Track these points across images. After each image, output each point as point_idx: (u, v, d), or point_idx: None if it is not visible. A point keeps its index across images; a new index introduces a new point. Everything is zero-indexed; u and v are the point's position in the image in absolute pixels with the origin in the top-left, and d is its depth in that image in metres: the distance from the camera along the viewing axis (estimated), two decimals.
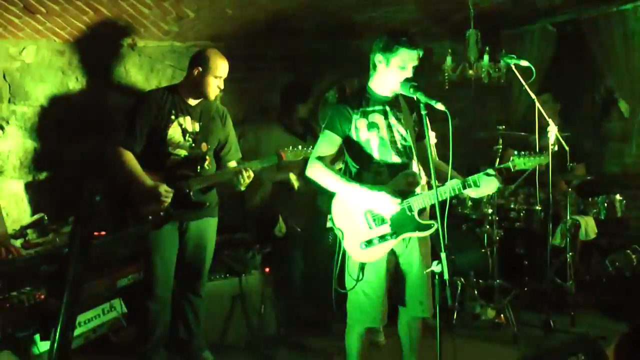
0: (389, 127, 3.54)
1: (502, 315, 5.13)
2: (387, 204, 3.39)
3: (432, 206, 3.42)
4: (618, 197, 5.47)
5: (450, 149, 3.18)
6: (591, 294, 5.46)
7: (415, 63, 3.44)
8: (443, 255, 2.94)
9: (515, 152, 3.45)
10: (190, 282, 4.47)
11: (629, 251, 5.51)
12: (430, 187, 3.25)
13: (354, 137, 3.53)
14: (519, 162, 3.41)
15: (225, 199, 4.57)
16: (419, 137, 3.55)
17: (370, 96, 3.57)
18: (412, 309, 3.67)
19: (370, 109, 3.55)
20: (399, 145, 3.55)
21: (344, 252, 3.56)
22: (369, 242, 3.49)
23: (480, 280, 5.27)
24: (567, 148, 4.87)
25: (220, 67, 4.11)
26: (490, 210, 5.36)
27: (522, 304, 5.35)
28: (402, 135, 3.55)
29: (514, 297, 5.19)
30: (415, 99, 3.24)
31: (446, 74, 5.52)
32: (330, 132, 3.55)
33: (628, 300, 5.27)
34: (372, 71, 3.56)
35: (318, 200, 4.87)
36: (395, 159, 3.54)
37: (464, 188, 3.34)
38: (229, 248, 5.04)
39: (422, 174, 3.69)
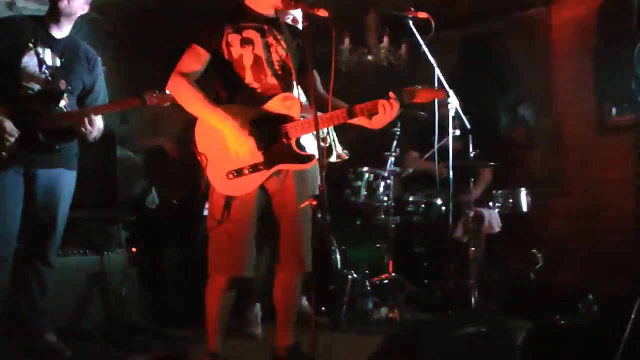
0: (267, 46, 3.19)
1: (395, 311, 4.82)
2: (241, 137, 3.06)
3: None
4: (524, 190, 5.40)
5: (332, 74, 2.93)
6: (494, 294, 5.26)
7: None
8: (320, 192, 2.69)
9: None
10: (37, 244, 3.82)
11: (534, 251, 5.40)
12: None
13: (225, 54, 3.15)
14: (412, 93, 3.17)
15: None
16: (302, 67, 3.22)
17: (247, 12, 3.22)
18: (287, 263, 3.27)
19: (246, 24, 3.18)
20: (277, 67, 3.20)
21: (208, 185, 3.17)
22: (239, 172, 3.11)
23: (374, 277, 5.11)
24: (468, 126, 4.70)
25: None
26: (386, 199, 5.12)
27: (421, 304, 5.11)
28: (281, 57, 3.21)
29: (410, 295, 4.98)
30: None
31: (344, 57, 5.24)
32: (197, 45, 3.14)
33: (532, 302, 5.06)
34: None
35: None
36: (272, 81, 3.18)
37: (351, 116, 3.07)
38: (90, 222, 4.44)
39: (303, 100, 3.33)
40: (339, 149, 4.64)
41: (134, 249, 4.59)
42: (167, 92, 3.45)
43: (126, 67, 5.09)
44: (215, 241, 3.19)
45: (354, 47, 5.33)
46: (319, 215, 2.73)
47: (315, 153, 3.19)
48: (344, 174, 5.25)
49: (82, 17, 3.92)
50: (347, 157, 4.72)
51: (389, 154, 5.19)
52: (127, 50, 4.93)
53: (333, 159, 4.67)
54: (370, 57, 5.33)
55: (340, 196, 5.17)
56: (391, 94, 3.05)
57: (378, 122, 3.11)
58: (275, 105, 3.14)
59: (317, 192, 2.76)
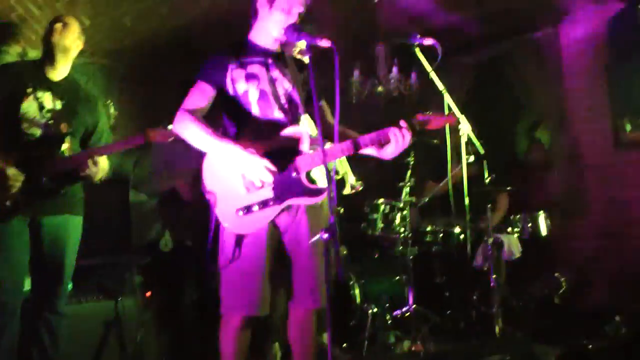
0: (272, 80, 3.18)
1: (418, 343, 4.72)
2: (259, 169, 3.01)
3: None
4: (542, 214, 5.35)
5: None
6: (519, 321, 5.14)
7: (301, 9, 3.14)
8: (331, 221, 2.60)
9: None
10: (46, 293, 3.75)
11: (557, 274, 5.33)
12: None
13: (230, 90, 3.14)
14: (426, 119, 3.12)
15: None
16: (309, 99, 3.22)
17: (251, 47, 3.22)
18: (301, 299, 3.19)
19: (250, 59, 3.18)
20: (283, 101, 3.18)
21: (217, 223, 3.11)
22: (248, 209, 3.05)
23: (395, 309, 5.05)
24: (482, 151, 4.54)
25: (59, 30, 3.76)
26: (403, 230, 5.07)
27: (444, 334, 5.01)
28: (287, 91, 3.20)
29: (432, 326, 4.90)
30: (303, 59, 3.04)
31: (354, 89, 5.22)
32: (202, 81, 3.13)
33: (557, 326, 5.00)
34: (253, 19, 3.23)
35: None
36: (279, 116, 3.15)
37: (357, 148, 3.04)
38: (103, 268, 4.40)
39: (311, 132, 3.27)
40: (351, 180, 4.58)
41: (148, 293, 4.51)
42: (170, 127, 3.47)
43: (139, 109, 5.08)
44: (227, 280, 3.12)
45: (364, 78, 5.29)
46: (332, 248, 2.68)
47: (326, 186, 3.13)
48: (359, 207, 5.22)
49: (93, 64, 3.93)
50: (360, 188, 4.66)
51: (403, 184, 5.15)
52: (140, 92, 4.91)
53: (347, 190, 4.61)
54: (380, 88, 5.27)
55: (356, 229, 5.16)
56: (402, 122, 3.01)
57: (390, 152, 3.07)
58: (283, 139, 3.10)
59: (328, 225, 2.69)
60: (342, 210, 5.02)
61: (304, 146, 3.09)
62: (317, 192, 3.08)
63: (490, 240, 4.86)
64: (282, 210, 3.09)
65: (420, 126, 3.11)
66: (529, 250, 5.44)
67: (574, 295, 5.51)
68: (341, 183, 4.60)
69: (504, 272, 5.35)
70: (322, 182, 3.20)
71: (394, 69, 5.19)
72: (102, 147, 3.77)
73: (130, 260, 4.48)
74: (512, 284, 5.46)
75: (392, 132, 3.00)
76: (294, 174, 3.05)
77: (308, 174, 3.10)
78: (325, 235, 2.58)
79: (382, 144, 3.04)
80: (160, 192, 4.89)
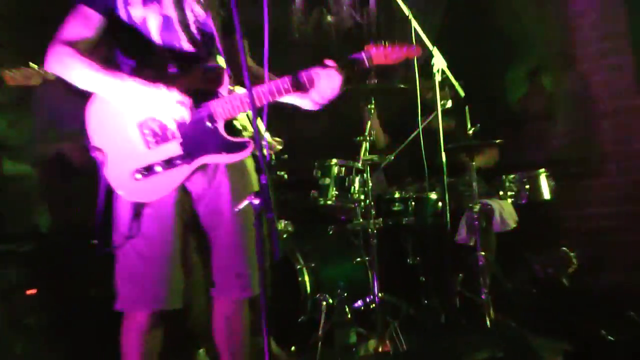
0: (178, 3, 3.16)
1: (387, 342, 4.74)
2: (171, 104, 2.97)
3: None
4: (543, 173, 5.40)
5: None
6: (514, 309, 5.22)
7: None
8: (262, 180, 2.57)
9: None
10: None
11: (565, 249, 5.39)
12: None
13: (123, 15, 3.08)
14: (378, 52, 3.18)
15: None
16: (227, 30, 3.23)
17: None
18: (224, 286, 3.24)
19: None
20: (193, 30, 3.19)
21: (109, 191, 3.10)
22: (149, 170, 3.05)
23: (355, 300, 5.04)
24: (462, 94, 4.69)
25: None
26: (363, 197, 5.09)
27: (420, 330, 5.08)
28: (198, 18, 3.20)
29: (404, 320, 4.94)
30: None
31: (295, 21, 5.20)
32: (84, 5, 3.05)
33: (565, 315, 5.06)
34: None
35: None
36: (188, 48, 3.17)
37: (298, 86, 3.09)
38: None
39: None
40: (266, 135, 4.52)
41: (32, 291, 4.47)
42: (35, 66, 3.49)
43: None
44: (124, 265, 3.12)
45: (308, 6, 5.26)
46: (265, 217, 2.64)
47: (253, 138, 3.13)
48: (306, 170, 5.22)
49: None
50: (279, 148, 4.63)
51: (361, 138, 5.13)
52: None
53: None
54: (330, 18, 5.25)
55: (304, 199, 5.16)
56: (328, 61, 3.08)
57: (315, 99, 3.17)
58: (194, 79, 3.11)
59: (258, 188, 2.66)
60: (285, 175, 5.06)
61: (223, 88, 3.11)
62: (240, 146, 3.09)
63: (477, 208, 4.96)
64: (195, 171, 3.10)
65: (372, 62, 3.16)
66: (527, 218, 5.51)
67: (586, 275, 5.59)
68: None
69: (495, 248, 5.43)
70: (245, 133, 3.23)
71: None
72: None
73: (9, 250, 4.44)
74: (505, 263, 5.52)
75: (316, 73, 3.06)
76: (208, 123, 3.05)
77: (229, 123, 3.12)
78: (256, 201, 2.56)
79: (305, 88, 3.10)
80: (45, 158, 4.81)
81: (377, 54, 3.16)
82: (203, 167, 3.12)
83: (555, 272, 5.43)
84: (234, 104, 3.05)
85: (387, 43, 3.19)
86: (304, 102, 3.21)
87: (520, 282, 5.52)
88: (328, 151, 5.20)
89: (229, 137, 3.08)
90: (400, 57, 3.23)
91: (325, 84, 3.09)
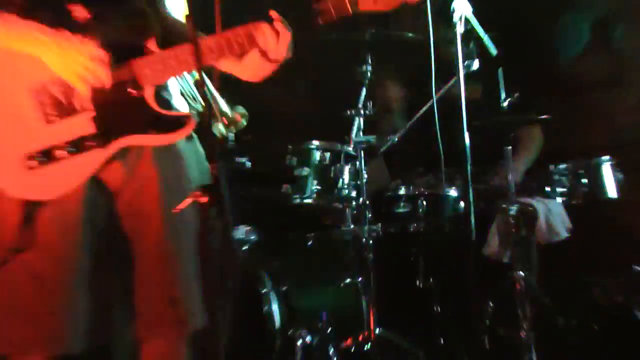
0: None
1: None
2: (81, 61, 3.00)
3: None
4: (607, 162, 5.47)
5: None
6: (569, 353, 5.31)
7: None
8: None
9: None
10: None
11: (638, 268, 5.43)
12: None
13: None
14: None
15: None
16: None
17: None
18: (155, 318, 3.26)
19: None
20: None
21: None
22: (47, 155, 3.08)
23: (344, 337, 5.13)
24: (493, 52, 4.68)
25: None
26: (355, 194, 5.15)
27: None
28: None
29: None
30: None
31: None
32: None
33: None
34: None
35: None
36: None
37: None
38: None
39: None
40: (224, 108, 4.48)
41: None
42: None
43: None
44: (10, 289, 3.12)
45: None
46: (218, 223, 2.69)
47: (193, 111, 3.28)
48: (278, 156, 5.24)
49: None
50: (243, 122, 4.61)
51: (352, 112, 5.16)
52: None
53: (218, 130, 4.56)
54: None
55: (273, 196, 5.22)
56: (273, 13, 3.13)
57: (254, 67, 3.27)
58: (110, 27, 3.13)
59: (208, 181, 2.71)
60: (247, 163, 5.17)
61: (151, 41, 3.16)
62: (176, 122, 3.16)
63: (513, 210, 5.01)
64: (112, 158, 3.14)
65: (342, 10, 3.17)
66: (584, 225, 5.55)
67: None
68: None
69: (539, 267, 5.47)
70: (183, 106, 3.30)
71: None
72: None
73: None
74: (555, 288, 5.54)
75: (257, 30, 3.11)
76: (131, 91, 3.10)
77: (158, 91, 3.17)
78: (204, 200, 2.61)
79: (241, 51, 3.15)
80: None
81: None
82: (123, 153, 3.16)
83: (626, 300, 5.35)
84: (167, 63, 3.10)
85: None
86: (237, 69, 3.28)
87: (575, 314, 5.45)
88: (307, 130, 5.24)
89: (160, 110, 3.13)
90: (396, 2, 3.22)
91: (267, 45, 3.12)
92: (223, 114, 4.31)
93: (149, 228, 3.20)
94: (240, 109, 4.39)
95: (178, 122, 3.15)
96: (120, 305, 3.44)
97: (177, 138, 3.17)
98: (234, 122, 4.32)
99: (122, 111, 3.10)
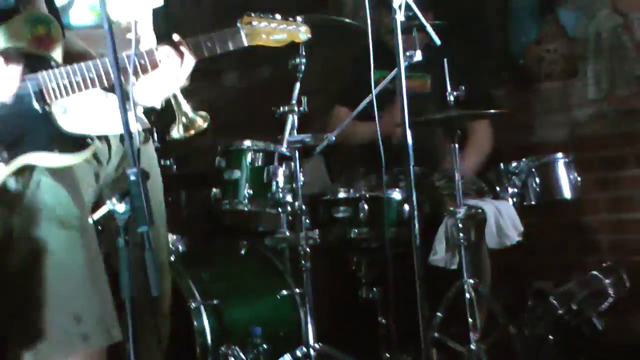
0: None
1: None
2: None
3: None
4: (562, 158, 5.37)
5: None
6: None
7: None
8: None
9: None
10: None
11: (597, 274, 5.36)
12: None
13: None
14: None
15: None
16: None
17: None
18: (60, 336, 3.08)
19: None
20: None
21: None
22: None
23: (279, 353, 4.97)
24: (437, 40, 4.60)
25: None
26: (290, 198, 5.02)
27: None
28: None
29: None
30: None
31: None
32: None
33: None
34: None
35: None
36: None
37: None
38: None
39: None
40: (185, 108, 4.25)
41: None
42: None
43: None
44: None
45: None
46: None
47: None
48: (206, 156, 5.21)
49: None
50: (205, 125, 4.39)
51: (287, 108, 4.99)
52: None
53: (177, 132, 4.34)
54: None
55: (201, 202, 5.18)
56: (175, 36, 3.14)
57: (155, 88, 3.27)
58: (15, 32, 3.06)
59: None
60: (172, 165, 5.12)
61: (56, 52, 3.08)
62: (79, 145, 3.09)
63: (461, 213, 4.90)
64: (10, 176, 3.09)
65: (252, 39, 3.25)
66: (538, 229, 5.55)
67: (630, 313, 5.60)
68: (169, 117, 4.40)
69: (490, 274, 5.46)
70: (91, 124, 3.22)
71: None
72: None
73: None
74: (507, 296, 5.51)
75: (161, 53, 3.11)
76: (36, 106, 3.03)
77: (65, 109, 3.15)
78: (121, 208, 2.54)
79: (141, 69, 3.11)
80: None
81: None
82: (22, 172, 3.10)
83: (583, 309, 5.28)
84: (72, 78, 3.02)
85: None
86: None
87: (530, 324, 5.38)
88: (237, 129, 5.17)
89: (64, 128, 3.09)
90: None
91: (168, 68, 3.13)
92: (183, 114, 4.11)
93: (45, 237, 3.08)
94: (202, 113, 4.20)
95: (82, 143, 3.10)
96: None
97: (77, 160, 3.10)
98: (193, 124, 4.12)
99: (27, 126, 3.05)
